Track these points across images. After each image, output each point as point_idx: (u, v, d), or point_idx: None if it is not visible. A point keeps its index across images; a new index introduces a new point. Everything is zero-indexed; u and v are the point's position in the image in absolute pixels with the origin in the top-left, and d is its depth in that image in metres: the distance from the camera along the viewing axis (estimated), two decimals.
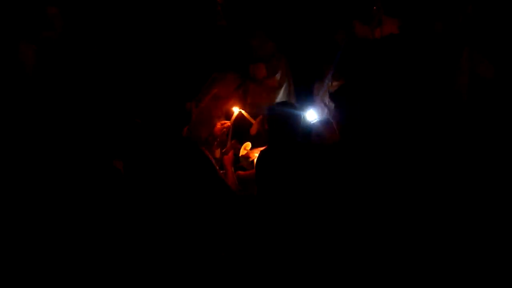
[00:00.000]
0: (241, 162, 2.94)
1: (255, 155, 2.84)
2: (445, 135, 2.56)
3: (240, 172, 2.87)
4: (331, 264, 2.33)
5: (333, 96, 2.97)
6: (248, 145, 2.95)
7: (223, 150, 2.91)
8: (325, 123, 2.85)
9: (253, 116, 2.98)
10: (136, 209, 2.52)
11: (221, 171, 2.79)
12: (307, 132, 2.71)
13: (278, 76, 3.26)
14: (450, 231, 2.37)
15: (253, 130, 2.99)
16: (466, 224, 2.38)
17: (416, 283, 2.30)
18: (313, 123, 2.88)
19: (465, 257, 2.32)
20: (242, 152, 2.93)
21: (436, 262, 2.32)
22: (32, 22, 3.08)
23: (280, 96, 3.27)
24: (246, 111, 3.01)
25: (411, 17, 3.13)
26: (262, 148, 2.71)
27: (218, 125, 2.91)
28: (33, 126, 2.91)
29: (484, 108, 2.65)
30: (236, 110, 3.01)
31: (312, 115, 2.99)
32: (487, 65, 2.82)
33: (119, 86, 3.21)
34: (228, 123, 2.94)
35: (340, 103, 2.70)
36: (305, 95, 3.35)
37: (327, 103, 3.17)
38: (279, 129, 2.54)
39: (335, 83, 3.10)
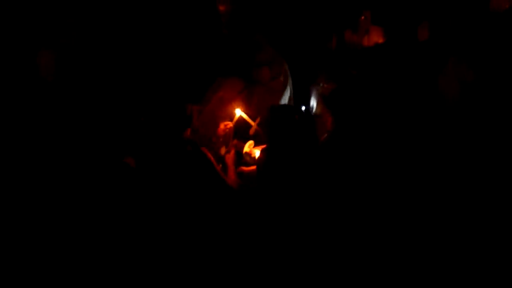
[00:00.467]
0: (244, 158, 3.09)
1: (257, 152, 3.02)
2: (434, 139, 2.59)
3: (243, 168, 3.03)
4: (332, 263, 2.39)
5: (325, 98, 3.17)
6: (251, 143, 3.10)
7: (226, 150, 3.05)
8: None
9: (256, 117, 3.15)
10: (138, 207, 2.62)
11: (222, 171, 2.91)
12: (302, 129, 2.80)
13: (282, 78, 3.39)
14: (439, 231, 2.39)
15: (252, 131, 3.15)
16: (453, 224, 2.39)
17: (416, 283, 2.33)
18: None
19: (464, 256, 2.32)
20: (246, 149, 3.08)
21: (435, 260, 2.34)
22: (51, 29, 3.21)
23: (283, 98, 3.40)
24: (250, 113, 3.15)
25: (397, 26, 3.32)
26: (263, 146, 2.86)
27: (221, 126, 3.07)
28: (50, 128, 3.07)
29: (472, 114, 2.63)
30: (238, 112, 3.15)
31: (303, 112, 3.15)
32: (474, 72, 2.77)
33: (129, 89, 3.37)
34: (230, 124, 3.09)
35: (332, 104, 2.86)
36: (302, 97, 3.51)
37: (315, 103, 3.35)
38: (280, 128, 2.65)
39: (326, 86, 3.25)
